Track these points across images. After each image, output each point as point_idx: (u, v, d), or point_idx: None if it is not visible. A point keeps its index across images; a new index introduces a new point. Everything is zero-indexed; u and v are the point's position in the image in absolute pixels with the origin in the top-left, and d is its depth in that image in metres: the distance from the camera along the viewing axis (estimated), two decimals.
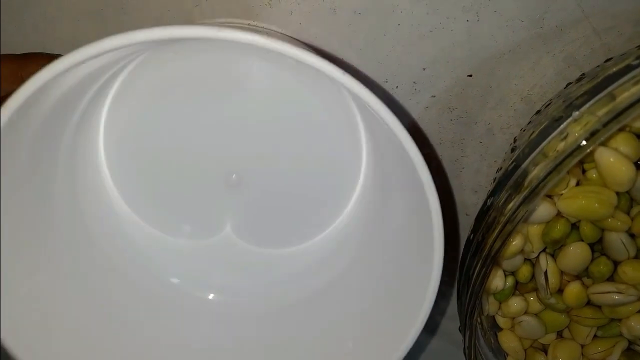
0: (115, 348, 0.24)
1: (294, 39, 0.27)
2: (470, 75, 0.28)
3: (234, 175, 0.28)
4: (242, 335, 0.27)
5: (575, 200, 0.22)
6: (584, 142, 0.18)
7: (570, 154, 0.18)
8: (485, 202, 0.22)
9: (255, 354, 0.26)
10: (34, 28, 0.28)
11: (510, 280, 0.25)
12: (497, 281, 0.24)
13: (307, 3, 0.27)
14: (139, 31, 0.17)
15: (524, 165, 0.21)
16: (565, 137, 0.19)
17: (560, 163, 0.19)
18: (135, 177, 0.27)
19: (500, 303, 0.26)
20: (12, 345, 0.20)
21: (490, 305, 0.25)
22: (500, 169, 0.26)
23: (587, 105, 0.19)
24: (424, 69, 0.28)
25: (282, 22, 0.27)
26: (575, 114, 0.19)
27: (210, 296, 0.29)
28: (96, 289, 0.25)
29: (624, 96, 0.18)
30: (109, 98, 0.25)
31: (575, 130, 0.18)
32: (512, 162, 0.22)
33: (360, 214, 0.28)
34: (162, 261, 0.28)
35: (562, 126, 0.19)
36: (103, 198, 0.27)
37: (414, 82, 0.29)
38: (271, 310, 0.28)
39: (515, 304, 0.26)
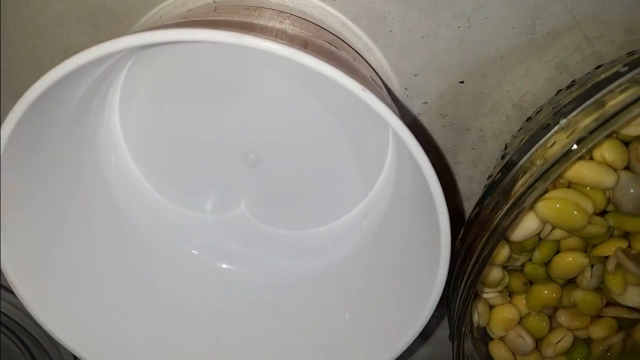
0: (137, 310, 0.27)
1: (317, 25, 0.26)
2: (462, 82, 0.28)
3: (252, 155, 0.29)
4: (251, 303, 0.29)
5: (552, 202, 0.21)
6: (574, 147, 0.18)
7: (556, 162, 0.18)
8: (474, 209, 0.22)
9: (266, 321, 0.28)
10: (26, 35, 0.28)
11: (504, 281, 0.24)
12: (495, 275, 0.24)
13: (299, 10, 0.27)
14: (152, 33, 0.17)
15: (512, 173, 0.21)
16: (552, 145, 0.19)
17: (545, 172, 0.19)
18: (157, 159, 0.29)
19: (490, 311, 0.26)
20: (40, 316, 0.22)
21: (480, 316, 0.25)
22: (491, 176, 0.25)
23: (575, 112, 0.19)
24: (415, 75, 0.28)
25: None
26: (563, 121, 0.19)
27: (224, 266, 0.30)
28: (123, 258, 0.28)
29: (611, 104, 0.18)
30: (123, 85, 0.27)
31: (562, 138, 0.18)
32: (500, 170, 0.22)
33: (374, 206, 0.29)
34: (181, 233, 0.30)
35: (549, 134, 0.19)
36: (129, 179, 0.29)
37: (406, 89, 0.29)
38: (278, 283, 0.30)
39: (505, 312, 0.25)
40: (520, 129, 0.27)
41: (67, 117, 0.23)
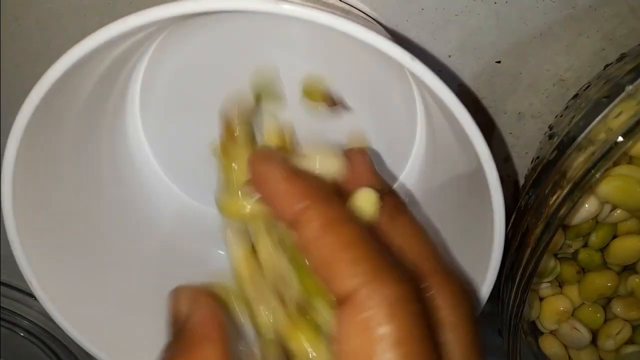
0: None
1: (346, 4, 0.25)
2: (499, 62, 0.27)
3: None
4: None
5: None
6: None
7: (629, 132, 0.16)
8: (527, 193, 0.20)
9: None
10: (38, 25, 0.27)
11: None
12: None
13: None
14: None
15: (569, 151, 0.19)
16: (618, 116, 0.17)
17: (613, 146, 0.17)
18: (182, 158, 0.28)
19: (540, 303, 0.24)
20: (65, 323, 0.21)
21: (530, 309, 0.23)
22: (537, 158, 0.24)
23: None
24: (449, 56, 0.27)
25: None
26: (629, 88, 0.17)
27: None
28: (149, 260, 0.26)
29: None
30: (142, 73, 0.25)
31: (630, 107, 0.17)
32: (553, 150, 0.20)
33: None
34: (208, 233, 0.28)
35: (612, 104, 0.17)
36: (151, 178, 0.28)
37: (439, 71, 0.27)
38: None
39: (557, 303, 0.24)
40: (567, 107, 0.25)
41: (81, 109, 0.22)
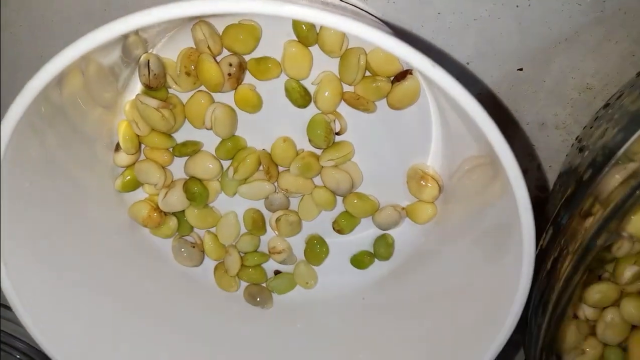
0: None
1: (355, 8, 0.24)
2: (521, 69, 0.25)
3: None
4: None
5: None
6: None
7: None
8: (559, 214, 0.18)
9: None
10: (31, 33, 0.25)
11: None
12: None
13: None
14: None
15: (606, 169, 0.17)
16: None
17: None
18: None
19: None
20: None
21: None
22: (566, 173, 0.22)
23: None
24: (467, 64, 0.25)
25: None
26: None
27: None
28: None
29: None
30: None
31: None
32: (587, 167, 0.18)
33: None
34: None
35: None
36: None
37: (457, 79, 0.25)
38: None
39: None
40: (596, 117, 0.23)
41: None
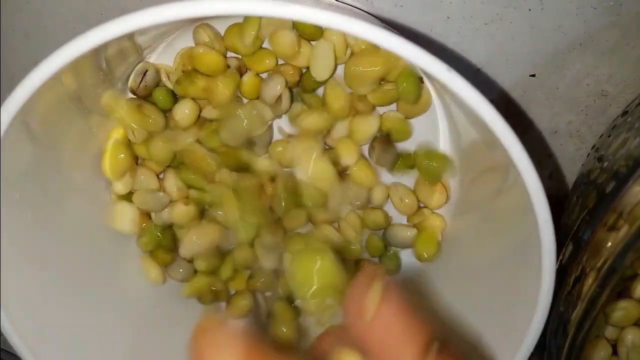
0: None
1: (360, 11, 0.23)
2: (534, 75, 0.24)
3: None
4: None
5: None
6: None
7: None
8: (579, 229, 0.17)
9: None
10: (25, 39, 0.25)
11: None
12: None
13: None
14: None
15: (630, 182, 0.16)
16: None
17: None
18: None
19: None
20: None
21: None
22: (584, 183, 0.21)
23: None
24: (478, 70, 0.24)
25: None
26: None
27: None
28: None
29: None
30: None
31: None
32: (609, 179, 0.17)
33: None
34: None
35: None
36: None
37: None
38: None
39: None
40: (614, 126, 0.22)
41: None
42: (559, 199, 0.27)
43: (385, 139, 0.22)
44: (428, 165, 0.22)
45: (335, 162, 0.22)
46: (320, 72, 0.21)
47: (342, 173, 0.22)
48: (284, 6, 0.14)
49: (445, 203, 0.24)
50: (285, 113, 0.22)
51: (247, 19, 0.21)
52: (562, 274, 0.18)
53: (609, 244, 0.15)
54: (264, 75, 0.22)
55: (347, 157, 0.22)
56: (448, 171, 0.23)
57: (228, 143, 0.21)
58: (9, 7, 0.24)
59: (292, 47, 0.21)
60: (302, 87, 0.22)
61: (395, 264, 0.25)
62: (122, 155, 0.22)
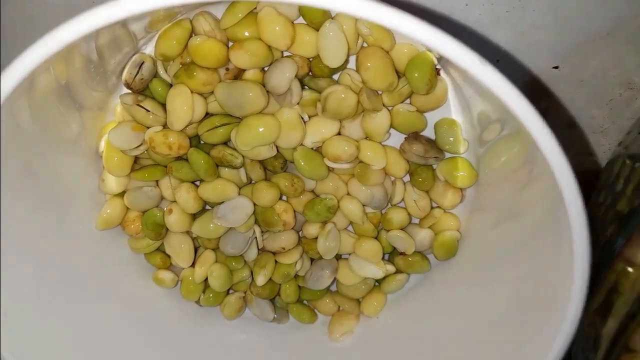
0: None
1: None
2: (556, 67, 0.23)
3: None
4: None
5: None
6: None
7: None
8: (612, 237, 0.16)
9: None
10: (11, 26, 0.23)
11: None
12: None
13: None
14: None
15: None
16: None
17: None
18: None
19: None
20: None
21: None
22: (613, 183, 0.19)
23: None
24: (497, 61, 0.23)
25: None
26: None
27: None
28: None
29: None
30: None
31: None
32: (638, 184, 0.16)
33: None
34: None
35: None
36: None
37: None
38: None
39: None
40: None
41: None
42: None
43: (415, 137, 0.21)
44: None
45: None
46: (332, 58, 0.19)
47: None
48: None
49: (460, 202, 0.23)
50: (297, 104, 0.21)
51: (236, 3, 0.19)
52: (591, 282, 0.16)
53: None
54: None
55: (377, 161, 0.21)
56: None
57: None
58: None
59: (284, 36, 0.19)
60: (313, 74, 0.21)
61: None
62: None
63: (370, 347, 0.23)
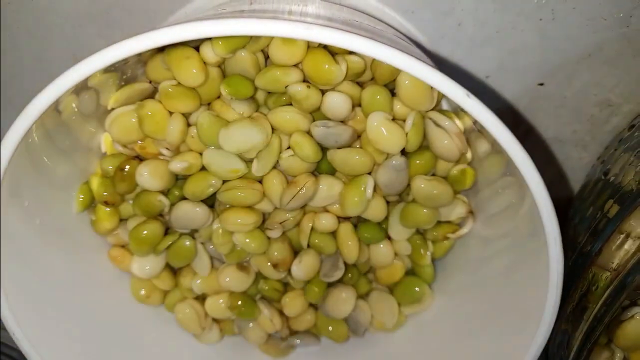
0: None
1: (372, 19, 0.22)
2: (542, 84, 0.24)
3: None
4: None
5: None
6: None
7: None
8: (589, 243, 0.17)
9: None
10: (31, 37, 0.24)
11: None
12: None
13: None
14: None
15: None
16: None
17: None
18: None
19: None
20: None
21: None
22: (590, 196, 0.21)
23: None
24: (487, 77, 0.24)
25: None
26: None
27: None
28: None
29: None
30: None
31: None
32: (617, 196, 0.17)
33: None
34: None
35: None
36: None
37: (475, 93, 0.24)
38: None
39: None
40: (621, 139, 0.23)
41: None
42: (559, 208, 0.27)
43: None
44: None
45: None
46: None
47: None
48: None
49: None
50: None
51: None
52: (566, 287, 0.18)
53: (619, 260, 0.16)
54: None
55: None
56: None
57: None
58: (13, 3, 0.23)
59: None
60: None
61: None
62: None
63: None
